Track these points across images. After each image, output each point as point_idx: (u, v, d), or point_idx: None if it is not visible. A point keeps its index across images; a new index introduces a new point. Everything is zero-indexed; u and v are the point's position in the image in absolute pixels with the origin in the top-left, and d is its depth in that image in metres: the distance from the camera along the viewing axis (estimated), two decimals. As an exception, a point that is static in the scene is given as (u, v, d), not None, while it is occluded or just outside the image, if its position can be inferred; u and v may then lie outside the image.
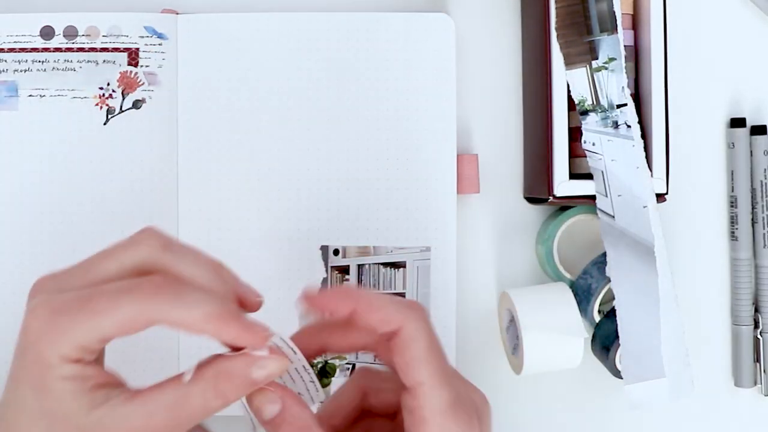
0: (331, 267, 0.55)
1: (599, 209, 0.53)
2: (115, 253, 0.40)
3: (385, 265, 0.55)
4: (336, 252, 0.55)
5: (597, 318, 0.54)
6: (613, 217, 0.52)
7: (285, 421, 0.39)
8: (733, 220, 0.58)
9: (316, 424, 0.39)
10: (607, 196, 0.52)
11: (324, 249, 0.55)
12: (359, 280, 0.55)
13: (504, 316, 0.56)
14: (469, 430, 0.38)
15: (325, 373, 0.54)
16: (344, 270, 0.55)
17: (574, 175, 0.53)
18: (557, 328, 0.52)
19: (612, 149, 0.52)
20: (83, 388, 0.39)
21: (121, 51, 0.54)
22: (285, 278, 0.55)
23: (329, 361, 0.54)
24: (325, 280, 0.55)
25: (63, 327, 0.38)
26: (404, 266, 0.55)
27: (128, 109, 0.54)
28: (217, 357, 0.39)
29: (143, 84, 0.54)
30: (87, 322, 0.38)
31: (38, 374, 0.39)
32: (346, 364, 0.54)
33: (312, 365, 0.53)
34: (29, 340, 0.39)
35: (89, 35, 0.54)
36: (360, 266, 0.55)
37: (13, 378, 0.40)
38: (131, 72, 0.54)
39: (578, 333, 0.52)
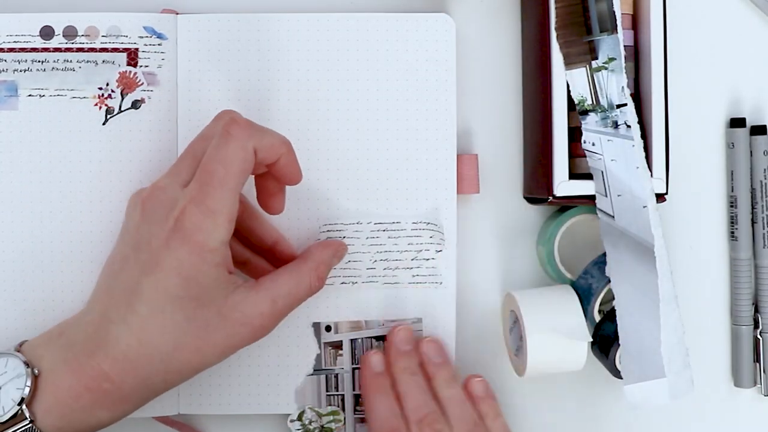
0: (324, 343, 0.55)
1: (599, 209, 0.53)
2: (202, 136, 0.48)
3: (378, 339, 0.55)
4: (328, 328, 0.55)
5: (597, 318, 0.54)
6: (613, 217, 0.52)
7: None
8: (732, 220, 0.58)
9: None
10: (606, 196, 0.52)
11: (316, 326, 0.55)
12: (353, 355, 0.55)
13: (508, 317, 0.56)
14: None
15: None
16: (338, 345, 0.55)
17: (574, 175, 0.53)
18: (562, 331, 0.52)
19: (612, 149, 0.52)
20: (224, 275, 0.45)
21: (120, 51, 0.54)
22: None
23: (325, 426, 0.54)
24: (318, 357, 0.55)
25: (215, 207, 0.44)
26: None
27: (127, 109, 0.54)
28: (309, 249, 0.51)
29: (142, 84, 0.54)
30: (222, 188, 0.45)
31: (193, 263, 0.44)
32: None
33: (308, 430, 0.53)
34: (187, 232, 0.44)
35: (89, 35, 0.54)
36: (353, 341, 0.55)
37: (159, 267, 0.44)
38: (130, 72, 0.54)
39: (583, 337, 0.52)
